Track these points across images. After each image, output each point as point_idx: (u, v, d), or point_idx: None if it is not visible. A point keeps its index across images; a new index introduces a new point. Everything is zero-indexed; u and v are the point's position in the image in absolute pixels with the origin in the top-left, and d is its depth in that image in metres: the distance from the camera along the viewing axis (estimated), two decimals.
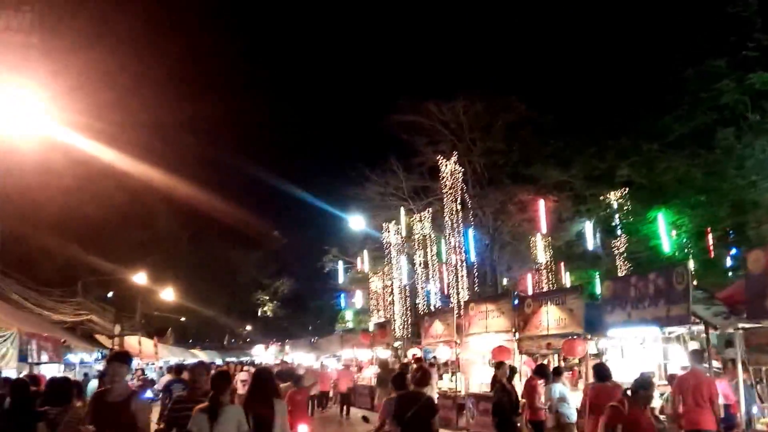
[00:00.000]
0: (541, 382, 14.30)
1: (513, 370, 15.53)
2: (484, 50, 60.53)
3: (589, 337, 15.01)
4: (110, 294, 42.35)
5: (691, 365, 11.84)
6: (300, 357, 44.40)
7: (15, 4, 21.59)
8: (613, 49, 36.77)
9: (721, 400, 11.19)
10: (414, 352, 26.10)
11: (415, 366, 21.01)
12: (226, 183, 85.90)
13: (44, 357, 16.24)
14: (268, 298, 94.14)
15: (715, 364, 12.71)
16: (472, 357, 20.75)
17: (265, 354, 61.33)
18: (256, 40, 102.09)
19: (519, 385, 15.76)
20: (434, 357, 24.63)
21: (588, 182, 36.14)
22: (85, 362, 30.89)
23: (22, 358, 14.66)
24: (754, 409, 12.17)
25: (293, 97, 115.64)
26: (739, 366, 11.43)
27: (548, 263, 36.43)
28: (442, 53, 75.37)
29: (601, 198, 34.28)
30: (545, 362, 15.34)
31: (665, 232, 29.94)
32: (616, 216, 33.22)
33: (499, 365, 15.33)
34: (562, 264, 37.64)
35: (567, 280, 36.57)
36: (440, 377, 22.94)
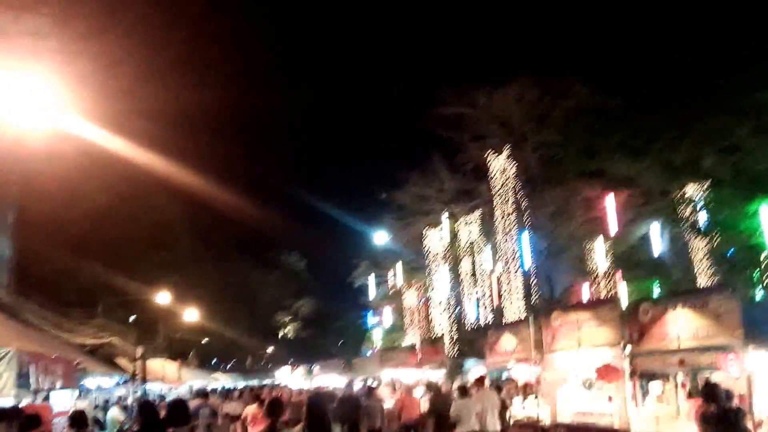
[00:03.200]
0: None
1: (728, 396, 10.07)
2: (534, 27, 51.55)
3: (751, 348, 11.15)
4: (132, 317, 39.22)
5: None
6: (330, 379, 41.04)
7: (33, 8, 19.86)
8: (691, 9, 30.75)
9: None
10: (478, 372, 21.96)
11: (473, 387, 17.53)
12: (247, 196, 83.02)
13: (53, 383, 12.55)
14: (289, 319, 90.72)
15: None
16: (557, 377, 16.88)
17: (290, 376, 58.85)
18: (278, 26, 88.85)
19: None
20: (508, 378, 20.74)
21: (664, 175, 30.52)
22: (103, 388, 27.99)
23: (23, 383, 11.00)
24: None
25: (320, 92, 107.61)
26: None
27: (607, 271, 32.02)
28: (487, 32, 61.92)
29: (679, 193, 29.18)
30: (713, 382, 11.04)
31: None
32: (700, 212, 28.32)
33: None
34: (619, 272, 32.79)
35: (624, 290, 31.86)
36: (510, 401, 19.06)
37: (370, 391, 19.50)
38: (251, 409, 17.39)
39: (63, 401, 14.65)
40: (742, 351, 11.04)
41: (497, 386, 18.86)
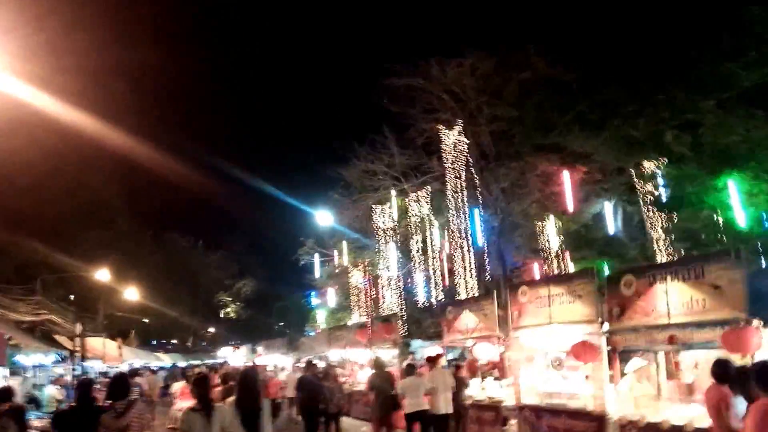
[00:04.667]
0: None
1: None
2: None
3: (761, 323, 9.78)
4: (71, 296, 37.50)
5: None
6: (275, 359, 39.53)
7: None
8: None
9: None
10: (434, 350, 20.48)
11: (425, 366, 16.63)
12: (188, 174, 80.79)
13: None
14: (231, 299, 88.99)
15: None
16: (523, 356, 15.51)
17: (233, 356, 57.33)
18: None
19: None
20: (463, 358, 19.40)
21: (623, 151, 28.91)
22: (40, 365, 26.29)
23: None
24: None
25: (266, 61, 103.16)
26: None
27: (558, 250, 30.80)
28: (440, 2, 60.85)
29: (637, 169, 27.76)
30: (725, 359, 9.49)
31: (739, 202, 24.00)
32: (660, 188, 27.02)
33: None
34: (568, 252, 31.54)
35: (571, 270, 30.50)
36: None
37: (327, 373, 18.23)
38: (179, 385, 18.98)
39: None
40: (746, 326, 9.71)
41: (456, 365, 17.50)
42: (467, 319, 17.93)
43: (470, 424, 16.67)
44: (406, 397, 15.41)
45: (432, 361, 16.35)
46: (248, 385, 8.91)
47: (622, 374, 12.66)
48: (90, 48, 33.50)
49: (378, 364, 17.81)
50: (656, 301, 11.49)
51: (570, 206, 28.48)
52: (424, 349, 24.45)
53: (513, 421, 15.71)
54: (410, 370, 16.11)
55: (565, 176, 28.31)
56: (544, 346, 14.93)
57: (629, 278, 12.21)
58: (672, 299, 11.16)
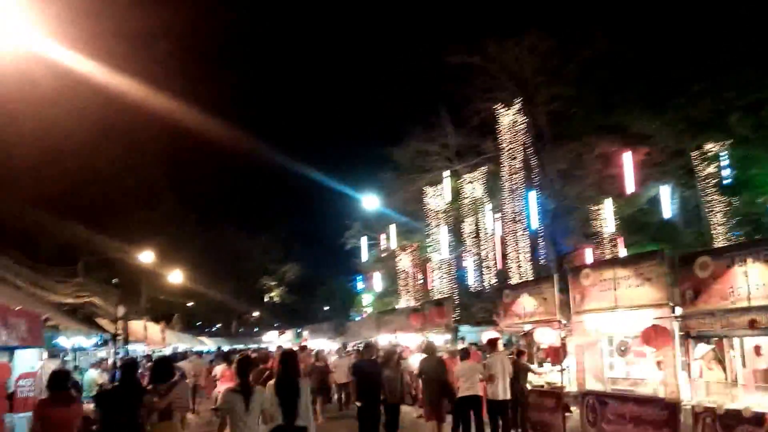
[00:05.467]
0: None
1: None
2: None
3: None
4: (115, 280, 37.52)
5: None
6: (320, 343, 39.25)
7: None
8: None
9: None
10: (492, 334, 20.00)
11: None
12: (234, 157, 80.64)
13: (15, 339, 10.52)
14: (275, 283, 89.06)
15: None
16: (586, 341, 14.96)
17: (278, 340, 57.22)
18: None
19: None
20: (522, 343, 18.82)
21: (685, 133, 28.04)
22: (80, 347, 26.69)
23: None
24: None
25: (317, 39, 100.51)
26: None
27: (611, 235, 30.04)
28: None
29: (698, 151, 27.02)
30: None
31: None
32: (723, 171, 26.19)
33: None
34: (621, 238, 30.80)
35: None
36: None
37: (389, 359, 16.22)
38: (221, 368, 19.64)
39: (28, 361, 12.70)
40: None
41: (518, 351, 16.93)
42: (525, 302, 17.39)
43: (529, 411, 16.21)
44: (460, 382, 14.99)
45: (491, 345, 15.94)
46: (287, 368, 9.24)
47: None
48: (132, 10, 33.09)
49: (429, 349, 17.27)
50: (735, 284, 10.91)
51: (630, 188, 27.66)
52: (479, 334, 24.02)
53: (574, 408, 15.30)
54: (465, 354, 15.68)
55: (626, 157, 27.46)
56: (608, 330, 14.44)
57: (705, 260, 11.62)
58: (752, 281, 10.57)
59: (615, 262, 15.48)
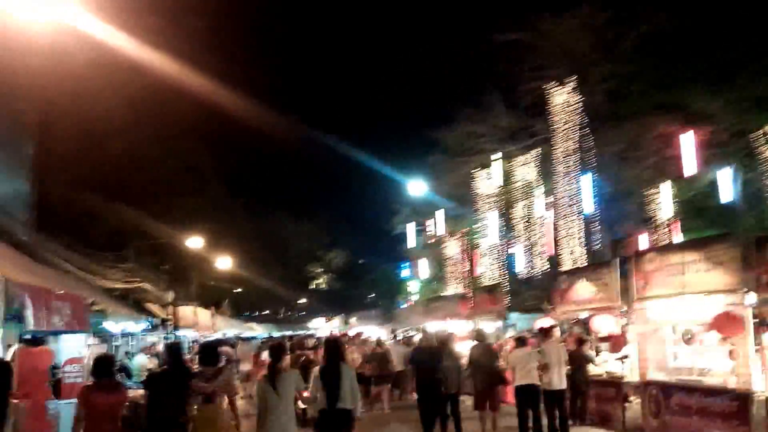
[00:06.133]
0: None
1: None
2: None
3: None
4: (165, 266, 37.42)
5: None
6: (368, 330, 38.90)
7: None
8: None
9: None
10: (543, 322, 19.36)
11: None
12: (280, 142, 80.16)
13: (59, 323, 10.10)
14: (321, 270, 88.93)
15: None
16: (649, 329, 14.28)
17: (326, 327, 57.22)
18: None
19: None
20: (577, 330, 18.12)
21: (748, 111, 26.77)
22: (129, 332, 26.28)
23: (11, 322, 8.52)
24: None
25: (362, 13, 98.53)
26: None
27: (668, 220, 28.97)
28: None
29: (763, 130, 25.79)
30: None
31: None
32: None
33: None
34: (678, 222, 29.65)
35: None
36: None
37: (446, 346, 15.17)
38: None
39: (74, 346, 12.33)
40: None
41: (579, 339, 16.22)
42: (583, 288, 16.75)
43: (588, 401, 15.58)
44: (515, 370, 14.24)
45: (545, 333, 15.22)
46: (331, 354, 9.90)
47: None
48: None
49: (479, 336, 16.66)
50: None
51: (690, 170, 26.54)
52: (530, 322, 23.37)
53: (634, 398, 14.67)
54: (521, 342, 14.86)
55: (686, 137, 26.35)
56: (673, 318, 13.76)
57: None
58: None
59: (683, 245, 14.63)
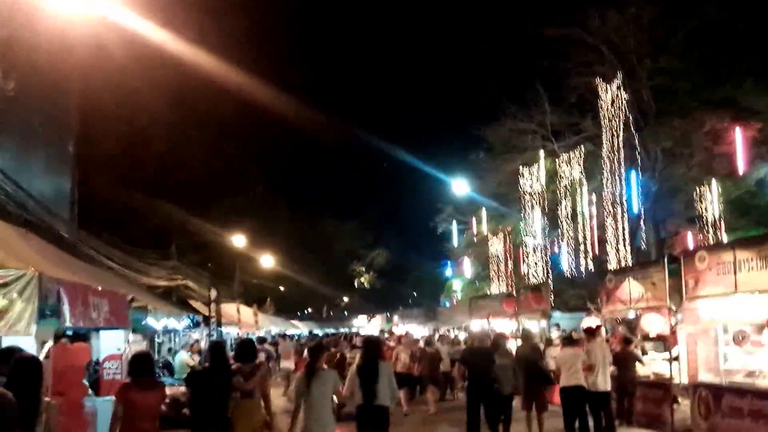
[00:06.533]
0: None
1: None
2: None
3: None
4: (209, 264, 37.45)
5: None
6: (411, 329, 38.67)
7: None
8: None
9: None
10: (590, 322, 18.91)
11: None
12: (322, 141, 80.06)
13: (98, 320, 9.92)
14: (364, 269, 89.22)
15: None
16: (699, 329, 13.82)
17: (368, 325, 57.10)
18: None
19: None
20: (621, 330, 17.68)
21: None
22: (172, 329, 26.91)
23: (48, 318, 8.32)
24: None
25: (402, 6, 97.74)
26: None
27: (715, 219, 28.27)
28: None
29: None
30: None
31: None
32: None
33: None
34: (722, 221, 28.92)
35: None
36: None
37: (499, 345, 14.45)
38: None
39: (114, 343, 12.21)
40: None
41: (626, 338, 15.78)
42: (631, 288, 16.24)
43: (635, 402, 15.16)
44: (561, 370, 13.81)
45: (591, 333, 14.77)
46: (369, 352, 10.17)
47: None
48: None
49: (526, 336, 16.27)
50: None
51: (741, 167, 25.88)
52: (575, 321, 22.99)
53: (682, 400, 14.22)
54: (569, 342, 14.55)
55: (737, 134, 25.67)
56: (724, 318, 13.25)
57: None
58: None
59: (735, 243, 13.99)
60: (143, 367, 8.34)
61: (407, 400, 18.52)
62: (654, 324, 16.15)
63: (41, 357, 8.97)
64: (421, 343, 22.12)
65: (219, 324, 29.82)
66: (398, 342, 22.23)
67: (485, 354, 13.76)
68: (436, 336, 28.84)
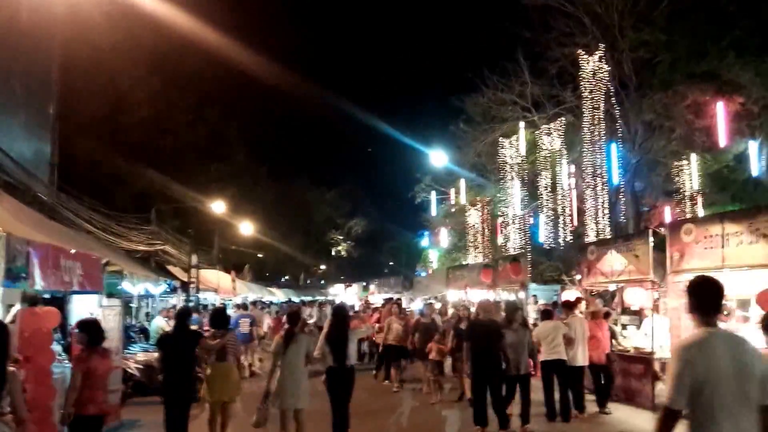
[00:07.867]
0: None
1: None
2: None
3: None
4: (189, 231, 36.92)
5: None
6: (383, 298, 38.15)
7: None
8: None
9: None
10: (570, 295, 18.40)
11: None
12: (303, 110, 79.44)
13: (69, 283, 9.34)
14: (341, 237, 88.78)
15: None
16: (683, 303, 13.33)
17: (345, 294, 56.66)
18: None
19: None
20: (599, 302, 17.06)
21: None
22: (149, 295, 26.14)
23: (13, 274, 7.72)
24: None
25: None
26: None
27: (693, 193, 27.86)
28: None
29: None
30: None
31: None
32: None
33: None
34: (700, 196, 28.52)
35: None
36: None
37: (512, 319, 12.63)
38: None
39: (87, 308, 11.54)
40: None
41: (606, 312, 15.24)
42: (614, 260, 15.75)
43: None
44: (542, 344, 13.09)
45: (569, 306, 14.24)
46: (338, 320, 10.92)
47: None
48: None
49: (509, 308, 15.26)
50: None
51: (722, 141, 25.41)
52: (552, 293, 22.54)
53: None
54: (545, 315, 13.89)
55: (719, 107, 25.18)
56: None
57: None
58: None
59: (723, 216, 13.45)
60: (99, 335, 8.15)
61: (397, 373, 17.38)
62: (636, 297, 15.71)
63: (7, 320, 8.43)
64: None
65: (197, 290, 29.35)
66: (389, 312, 19.04)
67: (491, 328, 11.94)
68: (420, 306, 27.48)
